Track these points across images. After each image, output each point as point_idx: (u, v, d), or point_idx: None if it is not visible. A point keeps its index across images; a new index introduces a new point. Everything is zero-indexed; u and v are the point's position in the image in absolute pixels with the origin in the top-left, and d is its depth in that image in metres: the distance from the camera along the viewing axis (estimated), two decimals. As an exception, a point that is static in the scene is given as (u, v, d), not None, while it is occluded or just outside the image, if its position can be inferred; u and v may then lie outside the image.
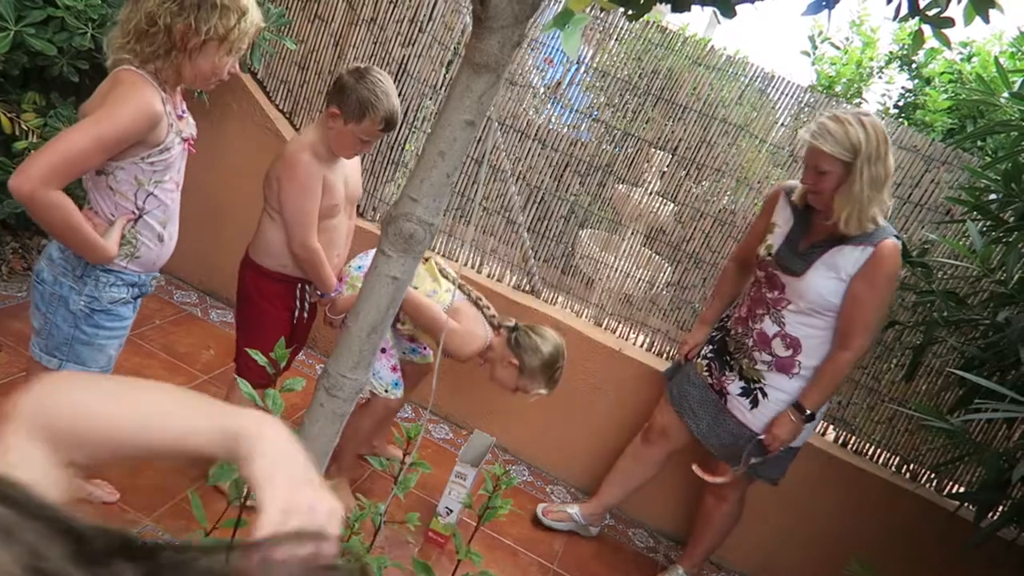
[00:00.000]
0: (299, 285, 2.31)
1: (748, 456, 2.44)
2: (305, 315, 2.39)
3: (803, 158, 2.25)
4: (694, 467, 2.55)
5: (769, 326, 2.37)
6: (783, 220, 2.39)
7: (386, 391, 2.43)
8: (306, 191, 2.12)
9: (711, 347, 2.60)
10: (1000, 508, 2.51)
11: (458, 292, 2.44)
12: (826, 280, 2.25)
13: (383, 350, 2.43)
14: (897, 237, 2.22)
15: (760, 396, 2.43)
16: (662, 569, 2.87)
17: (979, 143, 3.95)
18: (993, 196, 2.48)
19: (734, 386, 2.48)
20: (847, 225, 2.17)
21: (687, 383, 2.63)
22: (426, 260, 2.43)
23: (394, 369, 2.44)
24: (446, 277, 2.44)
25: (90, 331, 1.72)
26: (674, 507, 3.07)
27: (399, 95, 3.20)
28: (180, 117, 1.72)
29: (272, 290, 2.27)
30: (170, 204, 1.76)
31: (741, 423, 2.46)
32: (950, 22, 1.10)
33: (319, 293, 2.34)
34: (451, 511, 2.57)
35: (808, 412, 2.33)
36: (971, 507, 2.64)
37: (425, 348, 2.63)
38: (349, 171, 2.29)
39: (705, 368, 2.58)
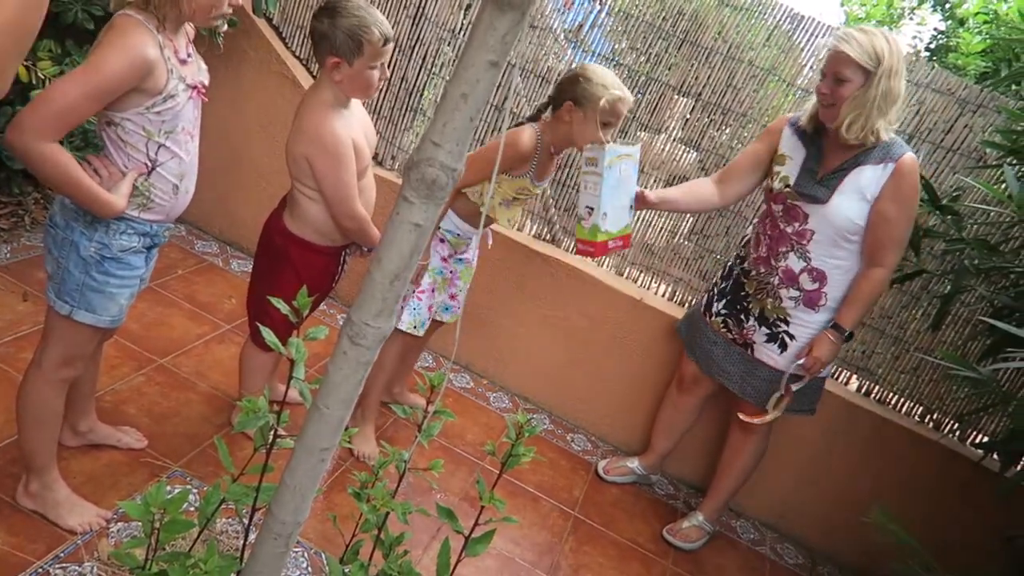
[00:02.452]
0: (344, 250, 2.28)
1: (788, 384, 2.45)
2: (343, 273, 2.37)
3: (823, 67, 2.24)
4: (741, 416, 2.55)
5: (795, 262, 2.36)
6: (793, 150, 2.37)
7: (414, 327, 2.45)
8: (341, 162, 2.04)
9: (723, 300, 2.58)
10: (1025, 457, 2.50)
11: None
12: (852, 203, 2.25)
13: (423, 291, 2.47)
14: (910, 151, 2.24)
15: (787, 339, 2.43)
16: (682, 515, 2.90)
17: (1014, 86, 3.83)
18: (1030, 140, 2.40)
19: (758, 335, 2.47)
20: (848, 129, 2.18)
21: (707, 343, 2.62)
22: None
23: (429, 309, 2.50)
24: None
25: (100, 278, 1.70)
26: (694, 455, 3.08)
27: (417, 40, 3.15)
28: (184, 62, 1.66)
29: (319, 263, 2.22)
30: (185, 157, 1.72)
31: (773, 368, 2.46)
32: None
33: (367, 249, 2.28)
34: (592, 209, 2.26)
35: (847, 331, 2.34)
36: (995, 457, 2.63)
37: (457, 305, 2.62)
38: (365, 122, 2.22)
39: (722, 324, 2.57)
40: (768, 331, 2.45)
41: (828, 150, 2.30)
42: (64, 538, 1.89)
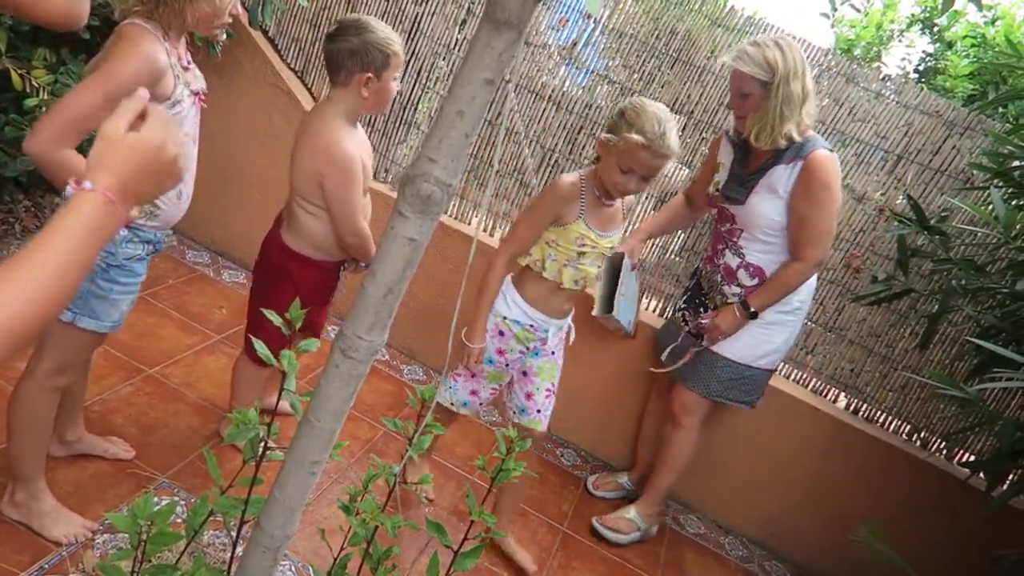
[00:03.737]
0: (341, 265, 2.28)
1: (689, 348, 2.60)
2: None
3: (729, 84, 2.37)
4: (651, 368, 2.74)
5: (731, 259, 2.50)
6: (726, 157, 2.52)
7: (452, 404, 2.36)
8: (352, 180, 2.07)
9: (684, 296, 2.75)
10: (1012, 477, 2.51)
11: None
12: (766, 201, 2.37)
13: (473, 375, 2.30)
14: (829, 149, 2.33)
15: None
16: (674, 536, 2.90)
17: (1001, 109, 3.87)
18: (1016, 163, 2.43)
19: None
20: (757, 139, 2.30)
21: (670, 339, 2.73)
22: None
23: (472, 393, 2.33)
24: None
25: (105, 286, 1.73)
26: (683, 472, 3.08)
27: (412, 54, 3.17)
28: (186, 69, 1.70)
29: (318, 278, 2.23)
30: (187, 159, 1.74)
31: (728, 359, 2.56)
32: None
33: (364, 264, 2.27)
34: (631, 321, 2.78)
35: (752, 310, 2.45)
36: (982, 476, 2.64)
37: (535, 407, 2.32)
38: (365, 141, 2.24)
39: (682, 319, 2.71)
40: None
41: (751, 155, 2.43)
42: (49, 549, 1.88)
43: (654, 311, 3.19)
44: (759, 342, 2.51)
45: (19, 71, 2.65)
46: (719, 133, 2.67)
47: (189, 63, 1.73)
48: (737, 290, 2.50)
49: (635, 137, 1.96)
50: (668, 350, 2.66)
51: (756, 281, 2.47)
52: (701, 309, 2.63)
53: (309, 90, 3.35)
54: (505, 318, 2.20)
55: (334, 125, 2.05)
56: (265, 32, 3.29)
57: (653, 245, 3.13)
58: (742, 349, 2.52)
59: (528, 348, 2.25)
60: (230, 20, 1.70)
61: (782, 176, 2.33)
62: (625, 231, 2.56)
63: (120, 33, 1.57)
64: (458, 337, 2.22)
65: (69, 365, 1.83)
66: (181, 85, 1.65)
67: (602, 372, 3.12)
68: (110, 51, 1.56)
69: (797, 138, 2.29)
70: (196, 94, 1.73)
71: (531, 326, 2.20)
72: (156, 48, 1.57)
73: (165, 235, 1.82)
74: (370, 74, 2.02)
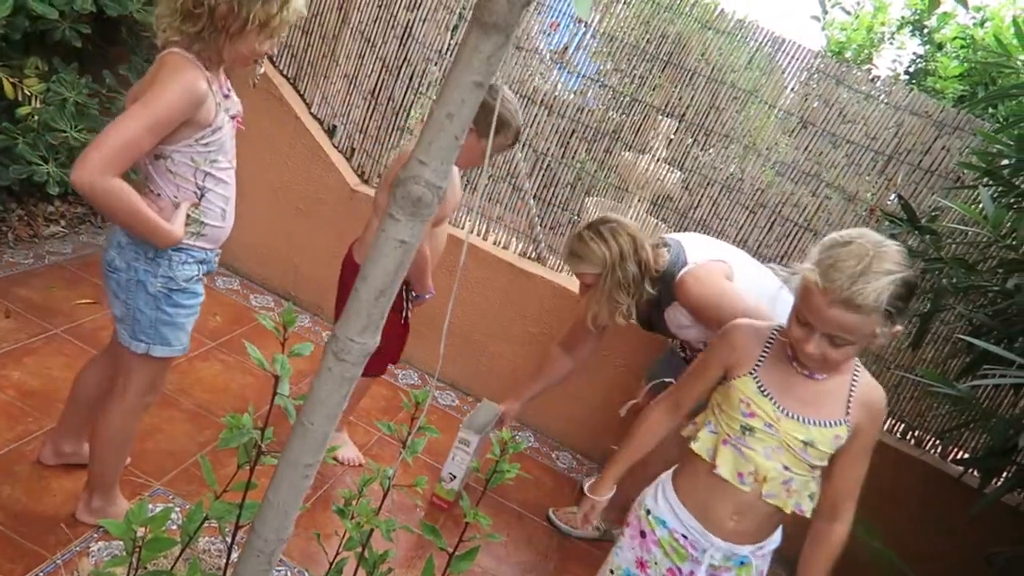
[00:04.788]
0: (404, 286, 2.30)
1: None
2: (410, 313, 2.42)
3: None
4: (621, 411, 2.64)
5: (692, 338, 2.39)
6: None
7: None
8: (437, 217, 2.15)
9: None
10: (1005, 474, 2.52)
11: None
12: (686, 331, 2.33)
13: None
14: (685, 263, 2.25)
15: None
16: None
17: (990, 109, 3.90)
18: (1005, 162, 2.45)
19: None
20: (593, 321, 2.34)
21: (668, 368, 2.64)
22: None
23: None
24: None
25: (171, 311, 1.76)
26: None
27: (404, 60, 3.18)
28: (226, 96, 1.74)
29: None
30: (228, 181, 1.78)
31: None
32: (968, -20, 1.07)
33: (415, 295, 2.36)
34: (454, 477, 2.59)
35: None
36: (976, 473, 2.66)
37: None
38: (457, 176, 2.31)
39: (680, 350, 2.62)
40: None
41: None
42: (44, 557, 1.87)
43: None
44: None
45: (11, 80, 2.65)
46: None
47: (229, 91, 1.76)
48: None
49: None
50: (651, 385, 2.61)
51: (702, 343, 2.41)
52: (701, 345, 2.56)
53: (302, 96, 3.36)
54: (649, 512, 1.67)
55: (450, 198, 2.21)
56: (257, 39, 3.30)
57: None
58: None
59: (680, 571, 1.62)
60: (264, 58, 1.75)
61: (676, 315, 2.31)
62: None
63: (162, 62, 1.60)
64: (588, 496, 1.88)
65: (155, 385, 1.90)
66: (222, 112, 1.68)
67: (598, 374, 3.13)
68: (153, 80, 1.58)
69: (648, 288, 2.28)
70: (234, 118, 1.77)
71: (683, 536, 1.61)
72: (197, 77, 1.59)
73: (215, 254, 1.84)
74: (472, 126, 2.06)
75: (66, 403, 2.07)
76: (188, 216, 1.70)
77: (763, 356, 1.55)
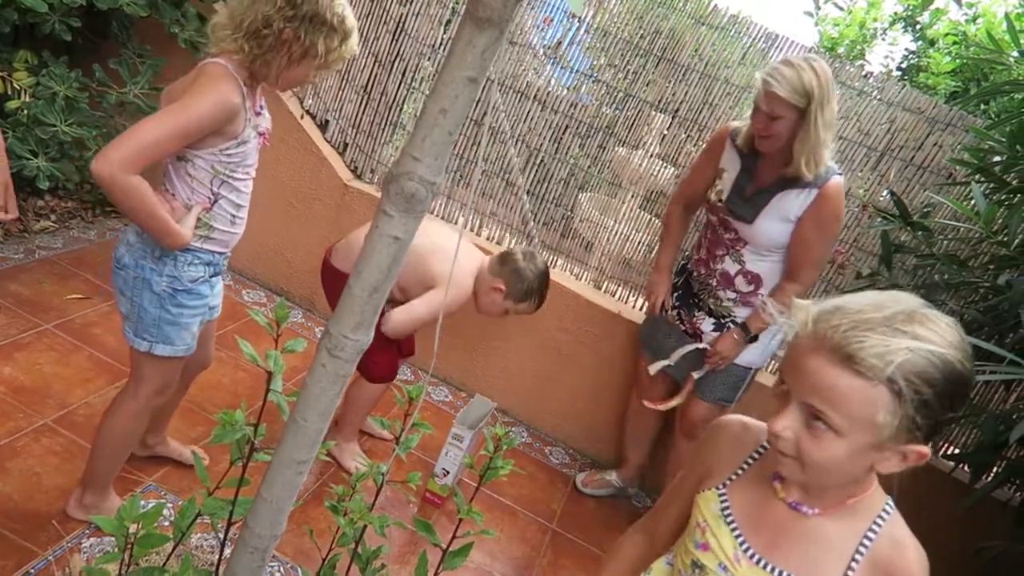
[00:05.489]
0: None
1: (689, 372, 2.58)
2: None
3: (755, 101, 2.24)
4: (645, 403, 2.67)
5: (730, 265, 2.45)
6: (730, 164, 2.42)
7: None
8: (446, 311, 2.34)
9: (676, 294, 2.67)
10: (995, 469, 2.54)
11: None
12: (775, 224, 2.32)
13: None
14: (839, 174, 2.29)
15: (733, 326, 2.51)
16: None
17: (982, 106, 3.91)
18: (997, 158, 2.46)
19: (706, 324, 2.56)
20: (807, 168, 2.21)
21: (662, 336, 2.69)
22: None
23: None
24: None
25: (175, 311, 1.77)
26: (672, 468, 3.10)
27: (397, 55, 3.17)
28: (258, 113, 1.78)
29: None
30: (243, 191, 1.82)
31: (740, 365, 2.54)
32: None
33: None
34: (448, 472, 2.59)
35: (752, 333, 2.45)
36: (966, 468, 2.67)
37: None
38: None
39: (676, 317, 2.65)
40: (715, 321, 2.54)
41: (760, 169, 2.35)
42: (35, 554, 1.87)
43: (640, 308, 3.20)
44: (762, 345, 2.52)
45: (0, 73, 2.63)
46: (717, 131, 2.55)
47: (262, 107, 1.80)
48: (733, 295, 2.46)
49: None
50: (659, 366, 2.62)
51: (753, 287, 2.43)
52: (694, 310, 2.58)
53: (300, 99, 3.34)
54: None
55: (471, 282, 2.43)
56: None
57: (639, 243, 3.14)
58: (752, 353, 2.52)
59: None
60: (309, 83, 1.84)
61: (794, 202, 2.27)
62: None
63: (202, 70, 1.64)
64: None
65: (164, 387, 1.92)
66: (250, 128, 1.73)
67: (591, 369, 3.13)
68: (190, 86, 1.62)
69: (828, 162, 2.24)
70: (262, 134, 1.81)
71: None
72: (233, 90, 1.63)
73: (224, 258, 1.87)
74: (503, 287, 2.38)
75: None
76: (198, 220, 1.73)
77: (744, 466, 1.10)
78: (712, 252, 2.49)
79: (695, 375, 2.56)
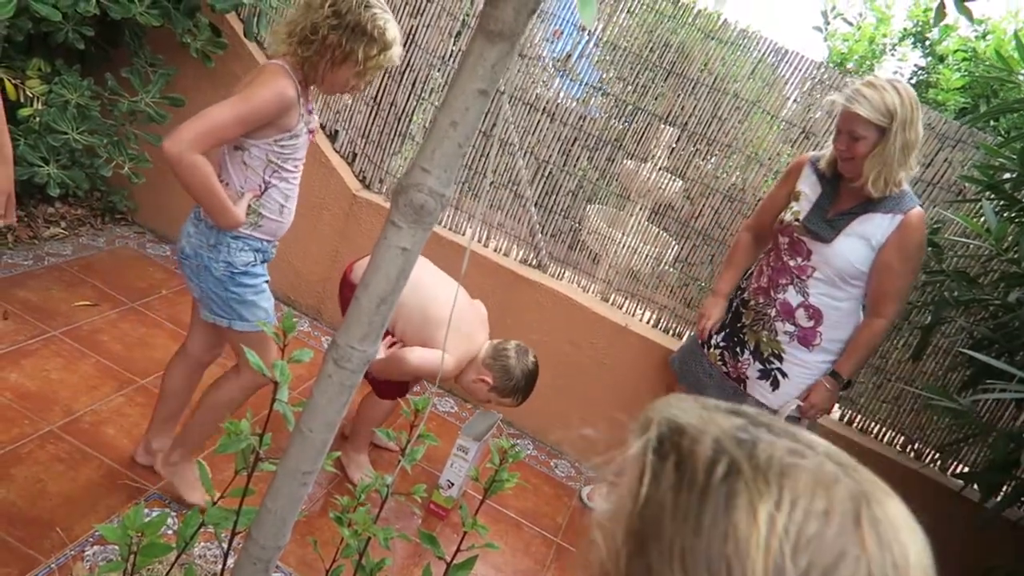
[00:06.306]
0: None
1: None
2: None
3: (837, 124, 2.23)
4: None
5: (793, 296, 2.35)
6: (810, 188, 2.37)
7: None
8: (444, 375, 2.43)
9: (722, 332, 2.56)
10: (1005, 488, 2.51)
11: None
12: (855, 247, 2.25)
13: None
14: (920, 205, 2.24)
15: (780, 376, 2.41)
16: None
17: (992, 123, 3.90)
18: (1007, 175, 2.45)
19: (752, 370, 2.46)
20: (874, 185, 2.17)
21: (702, 374, 2.60)
22: None
23: None
24: None
25: (238, 290, 1.94)
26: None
27: (407, 66, 3.18)
28: (309, 111, 1.94)
29: None
30: (292, 183, 1.96)
31: (764, 406, 2.44)
32: (975, -6, 1.07)
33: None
34: (452, 484, 2.58)
35: (845, 379, 2.36)
36: (976, 487, 2.65)
37: None
38: None
39: (719, 357, 2.55)
40: (761, 367, 2.44)
41: (842, 192, 2.31)
42: (38, 562, 1.86)
43: (648, 322, 3.19)
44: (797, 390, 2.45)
45: (13, 81, 2.65)
46: (795, 159, 2.51)
47: (312, 108, 1.97)
48: (791, 328, 2.36)
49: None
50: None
51: (812, 324, 2.34)
52: (738, 349, 2.49)
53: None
54: None
55: (464, 361, 2.45)
56: (260, 44, 3.30)
57: (647, 256, 3.14)
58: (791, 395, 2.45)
59: None
60: (353, 94, 2.03)
61: (880, 226, 2.22)
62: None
63: (264, 68, 1.84)
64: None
65: (267, 362, 1.99)
66: (302, 123, 1.88)
67: (597, 382, 3.12)
68: (252, 81, 1.81)
69: (905, 186, 2.21)
70: (311, 131, 1.96)
71: None
72: (289, 86, 1.80)
73: (272, 245, 2.02)
74: (491, 381, 2.40)
75: (156, 400, 2.21)
76: (249, 206, 1.88)
77: None
78: (775, 280, 2.41)
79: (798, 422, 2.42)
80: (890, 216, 2.21)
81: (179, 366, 2.19)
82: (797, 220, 2.35)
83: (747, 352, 2.47)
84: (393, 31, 1.86)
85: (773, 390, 2.43)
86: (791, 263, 2.37)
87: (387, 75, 3.24)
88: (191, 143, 1.69)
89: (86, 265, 3.12)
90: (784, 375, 2.41)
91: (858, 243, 2.24)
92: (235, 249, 1.91)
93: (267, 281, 2.05)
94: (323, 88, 1.92)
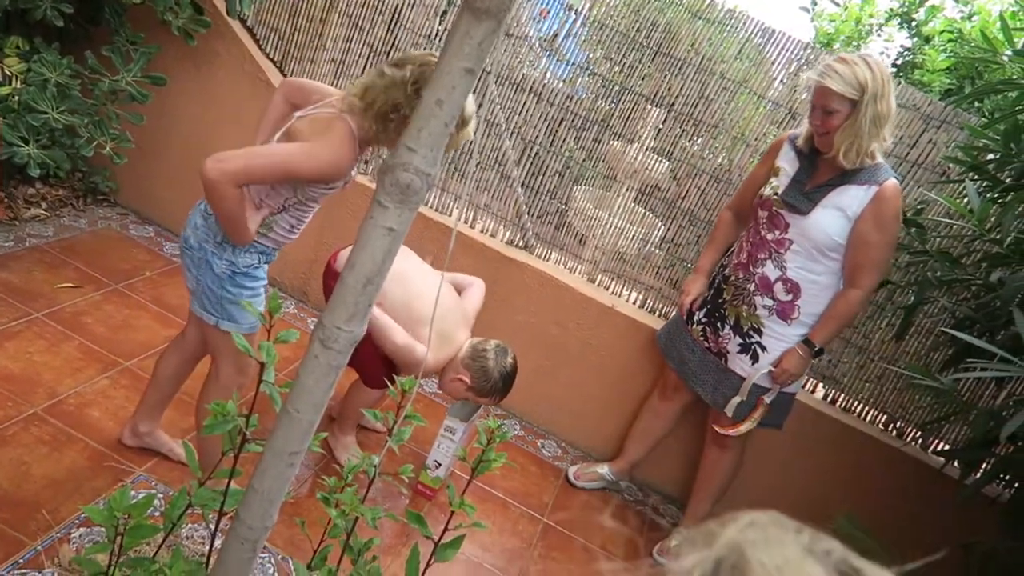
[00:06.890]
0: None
1: (761, 396, 2.50)
2: None
3: (811, 99, 2.27)
4: (715, 427, 2.60)
5: (771, 270, 2.40)
6: (788, 163, 2.42)
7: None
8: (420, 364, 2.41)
9: (703, 308, 2.62)
10: (985, 465, 2.55)
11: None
12: (832, 219, 2.29)
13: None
14: (896, 178, 2.29)
15: (759, 351, 2.47)
16: (650, 523, 2.91)
17: (976, 103, 3.92)
18: (991, 156, 2.46)
19: (732, 344, 2.51)
20: (846, 156, 2.22)
21: (685, 350, 2.66)
22: None
23: None
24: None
25: (234, 291, 1.90)
26: (663, 462, 3.10)
27: (392, 45, 3.15)
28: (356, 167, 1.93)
29: None
30: (309, 213, 1.97)
31: (743, 378, 2.51)
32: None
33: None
34: (439, 464, 2.60)
35: (817, 347, 2.40)
36: (956, 464, 2.68)
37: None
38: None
39: (701, 333, 2.61)
40: (741, 341, 2.49)
41: (820, 166, 2.35)
42: (24, 544, 1.86)
43: (634, 303, 3.20)
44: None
45: (-9, 59, 2.60)
46: (775, 139, 2.57)
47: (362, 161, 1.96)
48: (770, 303, 2.42)
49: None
50: (733, 404, 2.52)
51: (791, 298, 2.39)
52: (719, 324, 2.54)
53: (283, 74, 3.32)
54: None
55: (443, 361, 2.47)
56: (244, 22, 3.26)
57: (633, 237, 3.14)
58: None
59: None
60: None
61: (855, 197, 2.26)
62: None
63: (334, 126, 1.76)
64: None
65: (244, 365, 2.03)
66: (347, 178, 1.88)
67: (584, 363, 3.13)
68: (322, 135, 1.76)
69: (879, 158, 2.25)
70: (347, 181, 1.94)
71: None
72: (351, 156, 1.77)
73: (275, 250, 2.00)
74: (468, 381, 2.41)
75: (147, 384, 2.20)
76: (262, 220, 1.89)
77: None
78: (753, 256, 2.46)
79: (766, 399, 2.50)
80: (865, 187, 2.26)
81: (175, 354, 2.17)
82: (776, 194, 2.40)
83: (727, 327, 2.52)
84: (471, 108, 1.85)
85: (752, 363, 2.49)
86: (769, 236, 2.41)
87: (373, 55, 3.21)
88: (233, 176, 1.68)
89: (68, 246, 3.08)
90: (763, 349, 2.46)
91: (834, 214, 2.29)
92: (240, 251, 1.90)
93: (265, 285, 2.02)
94: (389, 147, 1.87)
